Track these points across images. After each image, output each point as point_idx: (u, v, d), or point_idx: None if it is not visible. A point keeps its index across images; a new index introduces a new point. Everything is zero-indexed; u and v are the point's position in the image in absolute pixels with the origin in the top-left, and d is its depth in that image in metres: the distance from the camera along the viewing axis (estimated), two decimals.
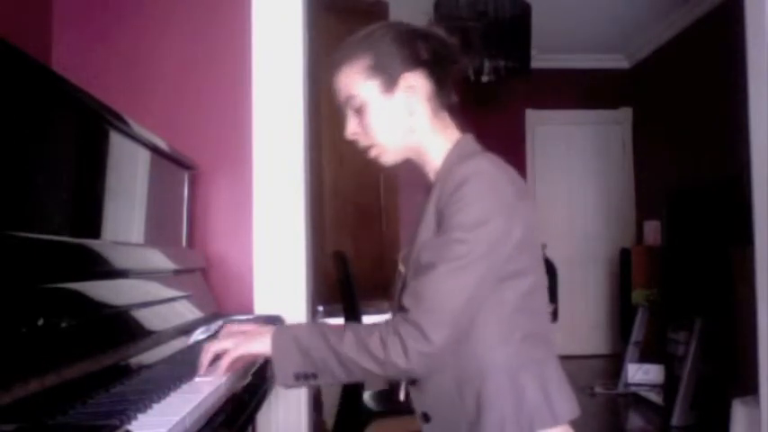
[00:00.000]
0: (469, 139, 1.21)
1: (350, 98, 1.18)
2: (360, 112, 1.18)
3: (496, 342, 1.09)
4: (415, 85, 1.16)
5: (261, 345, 1.12)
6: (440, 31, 1.19)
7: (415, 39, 1.18)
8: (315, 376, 1.09)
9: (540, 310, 1.15)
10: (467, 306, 1.05)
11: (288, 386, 1.12)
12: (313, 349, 1.08)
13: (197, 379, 1.14)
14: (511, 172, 1.13)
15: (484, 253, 1.04)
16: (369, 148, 1.21)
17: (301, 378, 1.09)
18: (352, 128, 1.20)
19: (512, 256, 1.08)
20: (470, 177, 1.07)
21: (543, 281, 1.16)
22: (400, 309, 1.09)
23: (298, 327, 1.20)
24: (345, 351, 1.06)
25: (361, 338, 1.06)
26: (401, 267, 1.23)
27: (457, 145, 1.19)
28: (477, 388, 1.09)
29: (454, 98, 1.22)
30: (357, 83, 1.17)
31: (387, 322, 1.08)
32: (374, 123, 1.18)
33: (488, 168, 1.09)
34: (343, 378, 1.09)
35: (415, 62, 1.16)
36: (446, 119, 1.22)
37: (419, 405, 1.18)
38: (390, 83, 1.16)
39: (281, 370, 1.10)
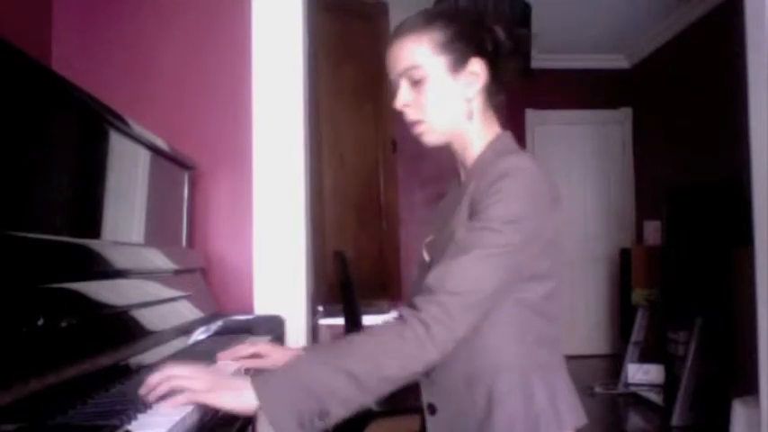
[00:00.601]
0: (509, 136, 1.22)
1: (412, 68, 1.15)
2: (419, 84, 1.15)
3: (510, 341, 1.09)
4: (479, 72, 1.16)
5: (239, 399, 0.93)
6: (500, 30, 1.20)
7: (482, 28, 1.18)
8: (326, 413, 0.92)
9: (555, 317, 1.14)
10: (492, 296, 1.04)
11: None
12: (315, 381, 0.94)
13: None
14: (547, 174, 1.13)
15: (517, 248, 1.04)
16: (415, 123, 1.18)
17: (306, 423, 0.91)
18: (404, 98, 1.17)
19: (538, 257, 1.08)
20: (512, 172, 1.06)
21: (562, 288, 1.15)
22: (419, 293, 1.04)
23: (285, 368, 0.99)
24: (360, 367, 0.95)
25: (373, 343, 0.99)
26: (425, 255, 1.21)
27: (497, 139, 1.20)
28: (489, 385, 1.08)
29: (502, 97, 1.23)
30: (424, 55, 1.14)
31: (399, 316, 1.02)
32: (432, 99, 1.16)
33: (530, 166, 1.09)
34: (362, 399, 0.96)
35: (481, 51, 1.16)
36: (492, 114, 1.22)
37: (427, 396, 1.17)
38: (458, 64, 1.15)
39: (279, 423, 0.91)
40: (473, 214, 1.08)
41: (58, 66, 2.00)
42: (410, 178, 4.79)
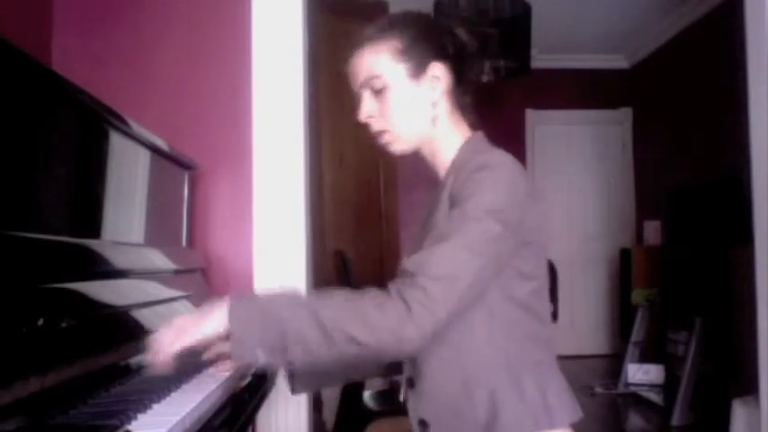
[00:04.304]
0: (481, 137, 1.21)
1: (372, 78, 1.15)
2: (380, 94, 1.15)
3: (500, 338, 1.08)
4: (441, 76, 1.16)
5: (215, 320, 0.97)
6: (462, 32, 1.20)
7: (442, 32, 1.18)
8: (287, 350, 0.95)
9: (542, 314, 1.14)
10: (473, 284, 1.01)
11: (246, 360, 0.98)
12: (285, 314, 0.95)
13: (209, 371, 1.13)
14: (525, 173, 1.12)
15: (497, 236, 1.02)
16: (381, 133, 1.18)
17: (267, 352, 0.95)
18: (367, 109, 1.17)
19: (520, 254, 1.07)
20: (491, 165, 1.06)
21: (546, 286, 1.15)
22: (402, 274, 1.02)
23: (265, 294, 1.03)
24: (330, 315, 0.94)
25: (352, 301, 0.97)
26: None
27: (469, 141, 1.19)
28: (489, 388, 1.06)
29: (469, 98, 1.23)
30: (384, 64, 1.14)
31: (382, 289, 0.99)
32: (395, 107, 1.15)
33: (509, 162, 1.08)
34: (322, 350, 0.95)
35: (442, 54, 1.16)
36: (460, 116, 1.21)
37: (417, 411, 1.14)
38: (419, 69, 1.14)
39: (240, 339, 0.95)
40: (453, 205, 1.06)
41: (58, 66, 2.00)
42: (410, 178, 4.79)
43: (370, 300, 0.97)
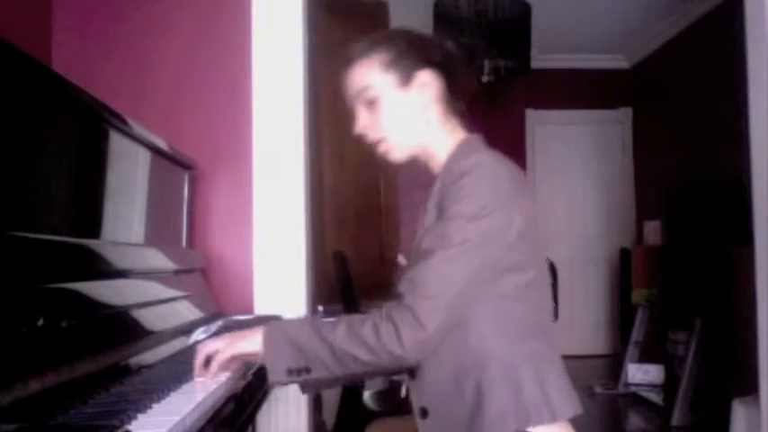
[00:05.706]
0: (476, 139, 1.24)
1: (363, 90, 1.21)
2: (372, 105, 1.21)
3: (494, 333, 1.09)
4: (429, 82, 1.20)
5: (252, 343, 1.13)
6: (449, 44, 1.25)
7: (428, 42, 1.23)
8: (308, 370, 1.09)
9: (541, 305, 1.15)
10: (462, 294, 1.06)
11: (281, 383, 1.12)
12: (304, 342, 1.08)
13: (196, 379, 1.14)
14: (511, 167, 1.14)
15: (481, 243, 1.06)
16: (377, 143, 1.23)
17: (294, 373, 1.09)
18: (362, 122, 1.23)
19: (512, 249, 1.09)
20: (470, 170, 1.09)
21: (545, 276, 1.17)
22: (397, 297, 1.10)
23: (289, 322, 1.19)
24: (337, 341, 1.06)
25: (353, 327, 1.06)
26: (401, 260, 1.27)
27: (461, 144, 1.22)
28: (476, 379, 1.09)
29: (463, 104, 1.26)
30: (373, 76, 1.20)
31: (380, 310, 1.08)
32: (387, 117, 1.21)
33: (488, 162, 1.12)
34: (337, 370, 1.09)
35: (429, 63, 1.20)
36: (455, 121, 1.25)
37: (418, 400, 1.17)
38: (406, 78, 1.19)
39: (272, 365, 1.10)
40: (440, 214, 1.11)
41: (58, 66, 2.00)
42: (410, 178, 4.79)
43: (368, 325, 1.06)
